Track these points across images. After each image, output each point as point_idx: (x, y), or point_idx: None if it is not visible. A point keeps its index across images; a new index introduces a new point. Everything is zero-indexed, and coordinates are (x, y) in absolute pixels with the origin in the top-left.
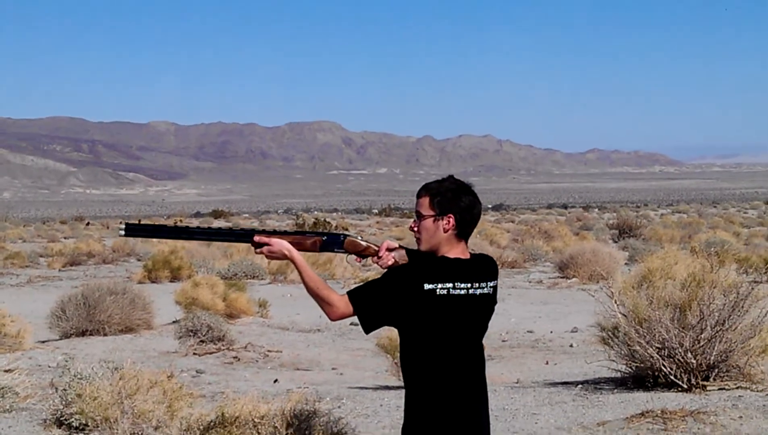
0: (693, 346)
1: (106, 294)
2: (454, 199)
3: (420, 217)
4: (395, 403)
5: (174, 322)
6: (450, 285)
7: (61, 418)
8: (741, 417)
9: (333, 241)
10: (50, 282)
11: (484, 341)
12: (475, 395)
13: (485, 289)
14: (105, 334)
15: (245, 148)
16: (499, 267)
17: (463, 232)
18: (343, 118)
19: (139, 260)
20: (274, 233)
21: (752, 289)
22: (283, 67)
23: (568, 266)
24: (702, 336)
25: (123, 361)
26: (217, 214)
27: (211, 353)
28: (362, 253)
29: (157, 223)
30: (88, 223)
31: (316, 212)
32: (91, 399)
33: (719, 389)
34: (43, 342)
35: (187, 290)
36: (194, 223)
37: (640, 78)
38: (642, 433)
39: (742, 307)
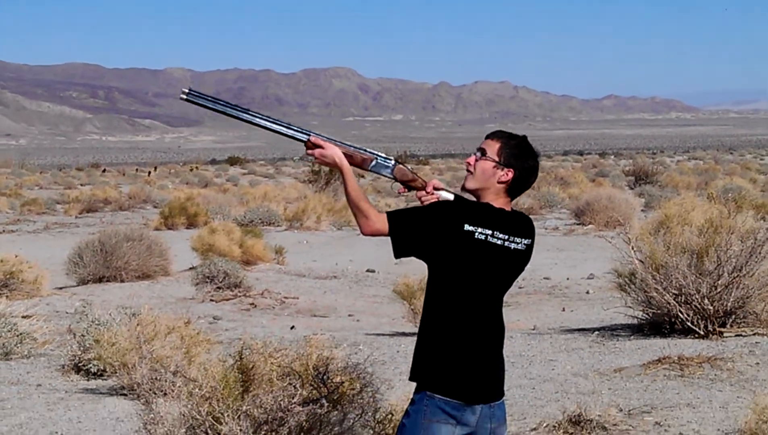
0: (710, 292)
1: (122, 240)
2: (522, 157)
3: (484, 155)
4: (412, 349)
5: (191, 268)
6: (489, 232)
7: (79, 364)
8: (758, 363)
9: (384, 165)
10: (67, 229)
11: None
12: (490, 343)
13: (520, 245)
14: (122, 281)
15: (261, 95)
16: None
17: (514, 190)
18: (359, 64)
19: (155, 207)
20: (330, 140)
21: None
22: (298, 13)
23: (584, 213)
24: (719, 282)
25: (140, 307)
26: (232, 161)
27: (227, 300)
28: (409, 183)
29: (220, 98)
30: (104, 170)
31: None
32: (109, 345)
33: (736, 335)
34: (61, 288)
35: (203, 237)
36: (210, 169)
37: (658, 23)
38: (659, 379)
39: (760, 253)
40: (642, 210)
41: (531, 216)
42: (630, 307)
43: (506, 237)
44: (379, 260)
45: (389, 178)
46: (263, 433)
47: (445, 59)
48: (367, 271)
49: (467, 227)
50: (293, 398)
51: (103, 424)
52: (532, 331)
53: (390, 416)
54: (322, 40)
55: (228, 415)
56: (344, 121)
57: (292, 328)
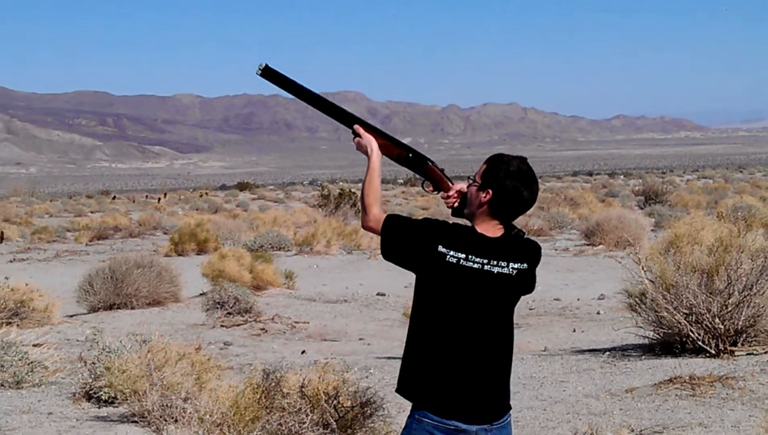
0: (721, 311)
1: (133, 267)
2: (501, 177)
3: (473, 180)
4: None
5: (201, 294)
6: (462, 256)
7: (90, 392)
8: None
9: (417, 161)
10: (77, 256)
11: None
12: (482, 363)
13: (505, 269)
14: (132, 308)
15: (270, 120)
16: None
17: (497, 212)
18: (368, 88)
19: (165, 234)
20: (373, 130)
21: None
22: (307, 37)
23: (594, 233)
24: (730, 301)
25: (151, 334)
26: (242, 187)
27: (238, 325)
28: (437, 182)
29: (289, 78)
30: (114, 197)
31: (341, 183)
32: (120, 372)
33: (747, 354)
34: (71, 316)
35: (213, 262)
36: (220, 195)
37: (666, 42)
38: (670, 399)
39: None
40: (652, 230)
41: (540, 237)
42: (641, 327)
43: (485, 261)
44: (389, 284)
45: (420, 175)
46: None
47: (453, 82)
48: (378, 294)
49: (440, 249)
50: (304, 423)
51: None
52: (542, 353)
53: None
54: (331, 65)
55: None
56: (353, 145)
57: (303, 352)
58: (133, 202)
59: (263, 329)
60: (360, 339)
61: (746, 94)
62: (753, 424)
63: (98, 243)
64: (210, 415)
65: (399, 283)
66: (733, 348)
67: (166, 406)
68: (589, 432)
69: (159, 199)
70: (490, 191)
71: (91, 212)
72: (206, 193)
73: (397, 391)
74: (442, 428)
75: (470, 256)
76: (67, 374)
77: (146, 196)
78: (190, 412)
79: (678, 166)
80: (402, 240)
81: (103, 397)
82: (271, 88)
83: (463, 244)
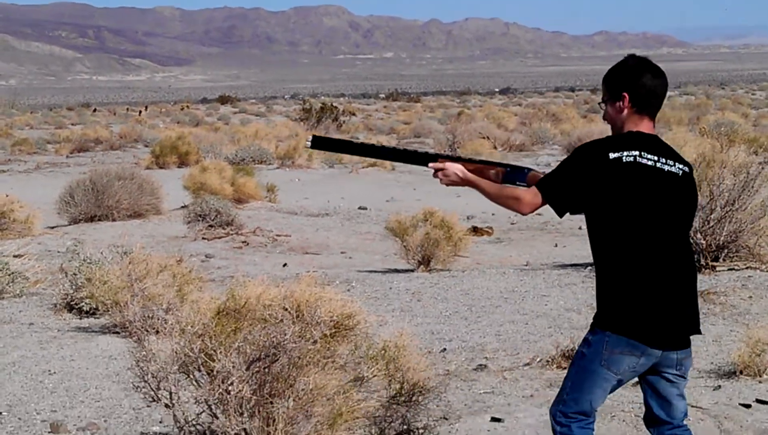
0: (703, 226)
1: (114, 179)
2: (625, 77)
3: (603, 103)
4: (404, 285)
5: (182, 207)
6: (636, 153)
7: (71, 303)
8: (751, 297)
9: (516, 174)
10: (58, 168)
11: (493, 225)
12: (675, 282)
13: (674, 168)
14: (114, 220)
15: (251, 33)
16: (507, 150)
17: (642, 108)
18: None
19: (146, 146)
20: (458, 160)
21: (762, 169)
22: None
23: None
24: (712, 217)
25: (132, 245)
26: (223, 100)
27: (219, 238)
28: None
29: (343, 139)
30: (95, 110)
31: (322, 97)
32: (101, 283)
33: (729, 270)
34: (52, 228)
35: (195, 175)
36: (201, 109)
37: None
38: None
39: (752, 186)
40: None
41: (522, 153)
42: None
43: (656, 158)
44: (371, 198)
45: (524, 187)
46: (256, 369)
47: None
48: (359, 208)
49: (612, 155)
50: (285, 335)
51: (95, 362)
52: (524, 267)
53: (383, 352)
54: None
55: (221, 352)
56: (335, 59)
57: (285, 265)
58: (114, 114)
59: (245, 242)
60: (342, 252)
61: (729, 10)
62: (734, 339)
63: (79, 155)
64: (191, 326)
65: (381, 196)
66: (715, 263)
67: (147, 317)
68: (571, 346)
69: (140, 112)
70: (625, 94)
71: (72, 125)
72: (187, 107)
73: (595, 326)
74: (630, 357)
75: (643, 153)
76: (48, 285)
77: (127, 109)
78: (171, 323)
79: None
80: (569, 183)
81: (84, 308)
82: (252, 1)
83: (631, 144)
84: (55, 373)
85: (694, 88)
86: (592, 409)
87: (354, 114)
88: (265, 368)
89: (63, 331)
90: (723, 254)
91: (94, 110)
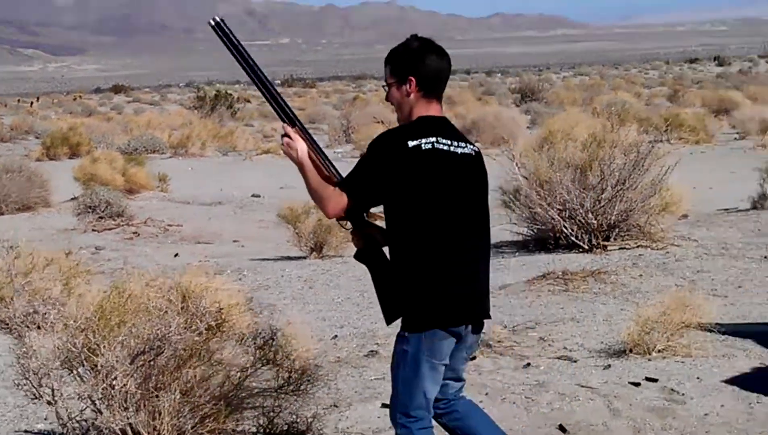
0: (594, 206)
1: (1, 172)
2: (411, 60)
3: (387, 85)
4: (296, 273)
5: (73, 199)
6: (433, 139)
7: None
8: (641, 275)
9: None
10: None
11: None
12: (476, 261)
13: (466, 149)
14: (1, 213)
15: (146, 20)
16: None
17: (430, 91)
18: None
19: (37, 138)
20: (311, 143)
21: (652, 147)
22: None
23: (470, 132)
24: (603, 196)
25: (19, 239)
26: (117, 90)
27: (110, 229)
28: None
29: (241, 44)
30: None
31: (218, 85)
32: None
33: (620, 249)
34: None
35: (85, 166)
36: (94, 99)
37: None
38: (543, 294)
39: (643, 166)
40: (528, 127)
41: None
42: (515, 223)
43: (449, 142)
44: (264, 186)
45: None
46: (141, 362)
47: None
48: (252, 196)
49: (411, 143)
50: (170, 327)
51: None
52: None
53: (271, 341)
54: None
55: (104, 346)
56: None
57: (176, 255)
58: (5, 106)
59: (135, 233)
60: (234, 241)
61: None
62: (624, 317)
63: None
64: (74, 321)
65: (274, 184)
66: (606, 243)
67: (29, 312)
68: None
69: (31, 103)
70: (412, 78)
71: None
72: (80, 97)
73: (414, 330)
74: (448, 339)
75: (439, 139)
76: None
77: (18, 101)
78: (53, 318)
79: (555, 64)
80: (372, 177)
81: None
82: None
83: (427, 130)
84: None
85: (588, 69)
86: (428, 401)
87: (249, 101)
88: (150, 361)
89: None
90: (614, 234)
91: None
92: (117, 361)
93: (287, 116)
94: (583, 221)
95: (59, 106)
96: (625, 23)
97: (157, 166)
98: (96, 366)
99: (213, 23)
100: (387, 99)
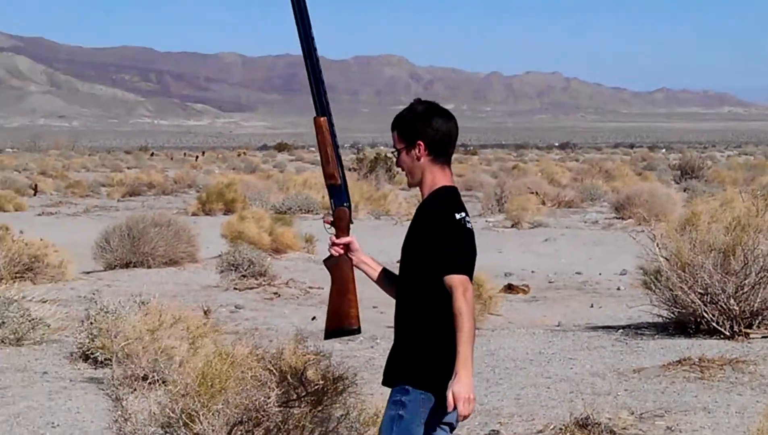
0: (736, 292)
1: (150, 226)
2: (420, 124)
3: (396, 151)
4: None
5: (219, 255)
6: (464, 214)
7: (87, 352)
8: None
9: (338, 195)
10: (107, 212)
11: (531, 282)
12: None
13: (470, 223)
14: (149, 267)
15: None
16: (556, 206)
17: (439, 154)
18: (410, 52)
19: (198, 192)
20: (332, 134)
21: None
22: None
23: (624, 207)
24: (746, 282)
25: (152, 295)
26: (281, 147)
27: (251, 288)
28: (339, 225)
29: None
30: (152, 154)
31: (381, 147)
32: (115, 333)
33: (763, 337)
34: (88, 273)
35: (233, 224)
36: (258, 155)
37: (711, 15)
38: (677, 381)
39: None
40: (684, 205)
41: (571, 209)
42: (655, 305)
43: (467, 217)
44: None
45: (332, 207)
46: (238, 433)
47: (496, 49)
48: (397, 262)
49: (457, 216)
50: (269, 398)
51: (100, 415)
52: (556, 328)
53: (375, 417)
54: (374, 27)
55: (202, 414)
56: (394, 109)
57: (314, 318)
58: (171, 159)
59: (276, 293)
60: (374, 307)
61: None
62: (759, 410)
63: (130, 199)
64: (174, 386)
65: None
66: (748, 330)
67: (159, 370)
68: (586, 413)
69: (197, 157)
70: (420, 142)
71: (128, 168)
72: (244, 153)
73: (402, 381)
74: (432, 404)
75: (465, 215)
76: (71, 333)
77: (185, 154)
78: (151, 382)
79: (720, 142)
80: (463, 252)
81: (99, 358)
82: None
83: (457, 203)
84: (58, 425)
85: (753, 148)
86: None
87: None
88: (248, 432)
89: (75, 382)
90: (757, 321)
91: (152, 154)
92: (213, 431)
93: (321, 104)
94: (724, 307)
95: (223, 161)
96: None
97: (307, 226)
98: (194, 433)
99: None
100: (397, 164)
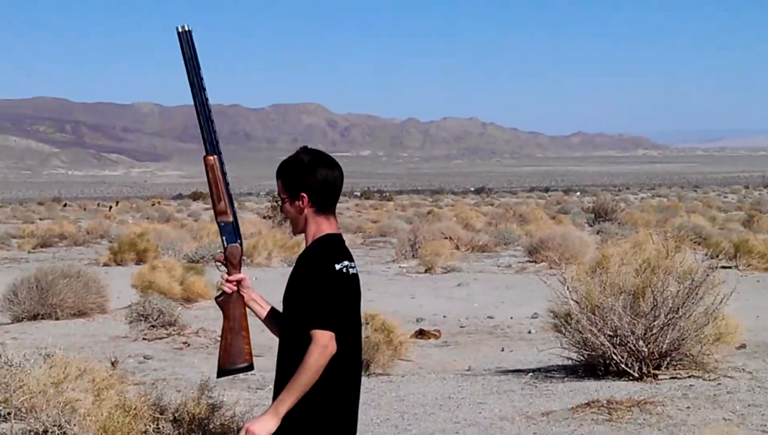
0: (645, 333)
1: (59, 277)
2: (304, 175)
3: (280, 201)
4: None
5: (129, 306)
6: (347, 263)
7: None
8: (689, 407)
9: (228, 232)
10: (17, 264)
11: (442, 327)
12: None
13: (355, 269)
14: (57, 318)
15: (229, 130)
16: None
17: (323, 206)
18: (328, 99)
19: (111, 242)
20: (224, 179)
21: (707, 275)
22: (267, 49)
23: (537, 250)
24: (655, 323)
25: (58, 347)
26: (196, 196)
27: (161, 338)
28: (230, 263)
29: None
30: (65, 205)
31: None
32: (17, 387)
33: (671, 378)
34: None
35: (144, 274)
36: (173, 204)
37: (626, 61)
38: (586, 423)
39: (697, 294)
40: (597, 248)
41: (485, 253)
42: (565, 348)
43: (352, 264)
44: None
45: (224, 245)
46: None
47: (414, 95)
48: None
49: (337, 267)
50: None
51: None
52: (466, 372)
53: None
54: (291, 76)
55: None
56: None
57: None
58: (84, 210)
59: (186, 343)
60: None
61: (705, 114)
62: None
63: (41, 251)
64: None
65: None
66: (657, 371)
67: (63, 423)
68: None
69: (110, 207)
70: (304, 194)
71: (40, 219)
72: (158, 202)
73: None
74: None
75: (348, 261)
76: None
77: (98, 205)
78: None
79: (634, 184)
80: (336, 307)
81: (1, 413)
82: (231, 98)
83: (341, 252)
84: None
85: (667, 191)
86: None
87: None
88: None
89: None
90: (665, 362)
91: (65, 205)
92: None
93: (211, 143)
94: (633, 348)
95: (137, 211)
96: (706, 146)
97: (219, 275)
98: None
99: (181, 30)
100: (281, 211)
